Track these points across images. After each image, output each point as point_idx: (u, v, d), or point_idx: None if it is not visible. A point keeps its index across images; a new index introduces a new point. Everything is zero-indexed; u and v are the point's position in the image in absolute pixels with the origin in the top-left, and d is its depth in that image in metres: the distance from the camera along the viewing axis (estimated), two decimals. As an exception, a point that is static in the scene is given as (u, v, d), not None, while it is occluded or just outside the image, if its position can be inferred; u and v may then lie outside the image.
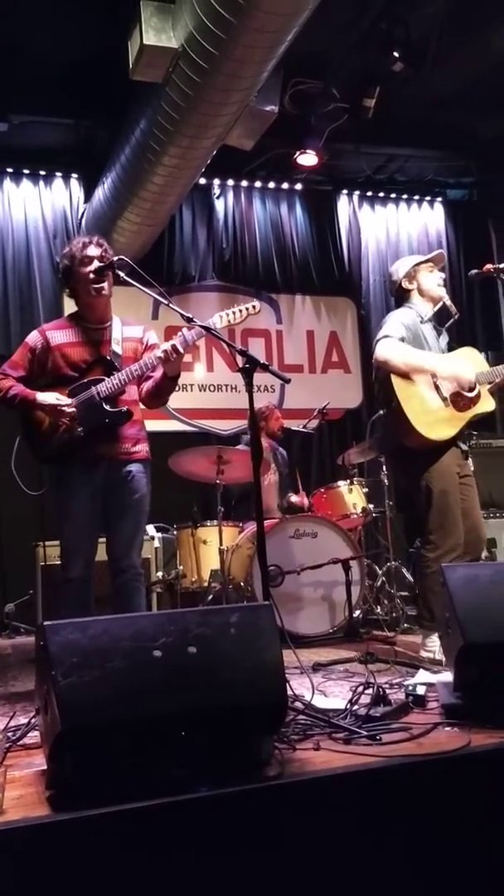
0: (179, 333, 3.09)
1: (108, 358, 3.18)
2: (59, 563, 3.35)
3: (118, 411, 3.14)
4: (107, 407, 3.12)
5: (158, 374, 3.18)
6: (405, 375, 3.41)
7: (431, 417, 3.37)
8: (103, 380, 3.13)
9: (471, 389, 3.45)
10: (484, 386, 3.49)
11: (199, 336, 3.11)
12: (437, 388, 3.43)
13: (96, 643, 1.73)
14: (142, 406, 3.32)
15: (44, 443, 3.15)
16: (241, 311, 3.12)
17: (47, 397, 3.10)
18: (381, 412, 3.76)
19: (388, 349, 3.42)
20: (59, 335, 3.22)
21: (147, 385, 3.24)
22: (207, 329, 2.91)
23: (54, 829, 1.56)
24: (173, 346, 3.03)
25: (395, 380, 3.40)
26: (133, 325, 3.35)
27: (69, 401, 3.10)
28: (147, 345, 3.29)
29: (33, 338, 3.25)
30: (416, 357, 3.42)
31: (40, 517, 3.11)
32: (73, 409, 3.08)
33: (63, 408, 3.07)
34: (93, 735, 1.66)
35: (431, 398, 3.41)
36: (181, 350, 3.04)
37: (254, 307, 3.17)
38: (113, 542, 3.19)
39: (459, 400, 3.44)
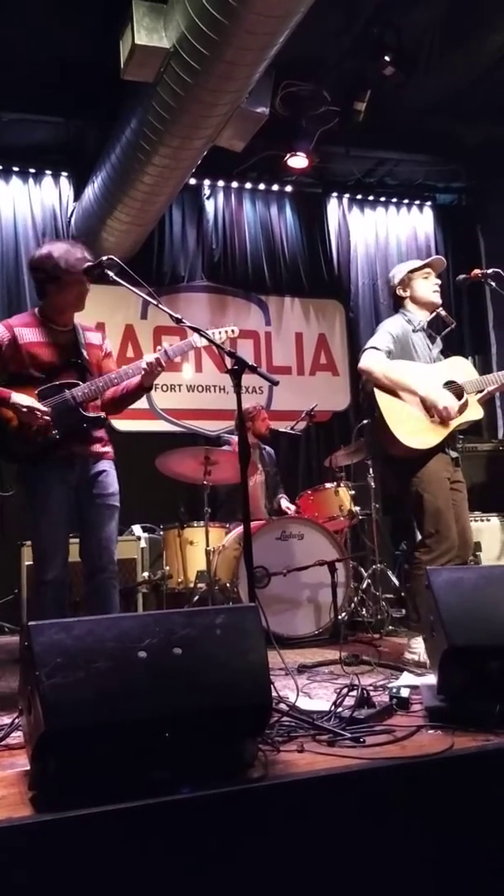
0: (160, 347, 3.11)
1: (81, 362, 3.14)
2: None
3: (96, 417, 3.12)
4: (83, 412, 3.08)
5: (133, 383, 3.15)
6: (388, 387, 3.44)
7: (414, 426, 3.40)
8: (77, 384, 3.08)
9: (444, 419, 3.42)
10: (472, 395, 3.51)
11: (179, 351, 3.13)
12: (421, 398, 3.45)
13: (81, 644, 1.72)
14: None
15: (13, 442, 3.05)
16: (220, 332, 3.18)
17: (23, 399, 2.99)
18: (366, 421, 3.78)
19: (372, 361, 3.45)
20: (28, 333, 3.12)
21: (115, 391, 3.19)
22: (197, 330, 2.91)
23: (37, 829, 1.55)
24: (157, 360, 3.03)
25: (378, 390, 3.44)
26: (91, 331, 3.32)
27: (46, 409, 3.00)
28: (105, 352, 3.28)
29: None
30: (398, 374, 3.44)
31: (12, 518, 3.05)
32: (48, 418, 3.00)
33: (39, 412, 2.98)
34: (77, 736, 1.65)
35: (414, 408, 3.43)
36: (163, 364, 3.05)
37: (232, 331, 3.30)
38: (88, 541, 3.12)
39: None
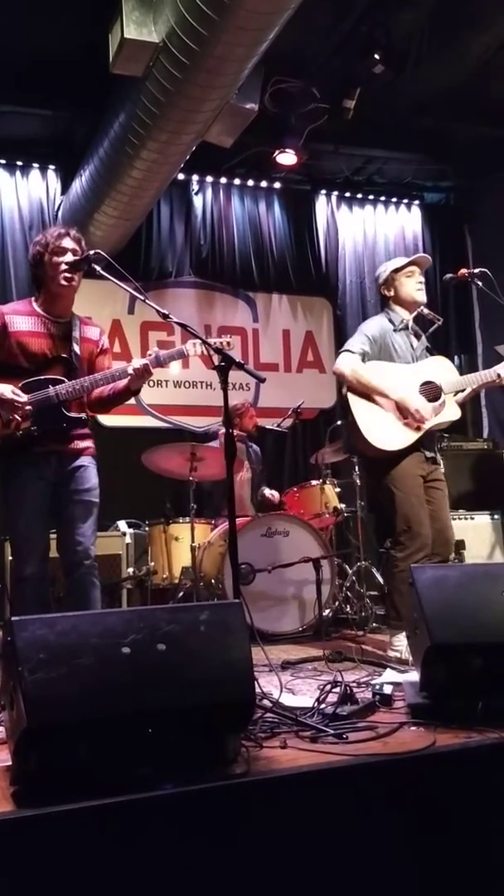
0: (151, 352, 3.08)
1: (70, 359, 3.09)
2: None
3: (78, 418, 3.09)
4: (65, 411, 3.04)
5: (121, 385, 3.12)
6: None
7: (386, 430, 3.43)
8: (62, 381, 3.04)
9: (417, 421, 3.44)
10: (450, 396, 3.53)
11: (169, 358, 3.06)
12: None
13: (64, 639, 1.72)
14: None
15: None
16: (215, 343, 3.06)
17: (3, 389, 2.94)
18: (339, 423, 3.83)
19: (344, 365, 3.50)
20: (21, 321, 3.08)
21: (103, 390, 3.16)
22: (184, 326, 2.88)
23: (18, 824, 1.55)
24: (145, 366, 3.01)
25: (351, 393, 3.47)
26: (91, 325, 3.27)
27: (26, 398, 2.97)
28: (101, 349, 3.24)
29: None
30: (369, 378, 3.47)
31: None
32: (29, 408, 2.96)
33: (18, 404, 2.94)
34: (59, 732, 1.65)
35: (387, 411, 3.46)
36: (151, 371, 3.03)
37: (228, 343, 3.04)
38: (66, 535, 3.08)
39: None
